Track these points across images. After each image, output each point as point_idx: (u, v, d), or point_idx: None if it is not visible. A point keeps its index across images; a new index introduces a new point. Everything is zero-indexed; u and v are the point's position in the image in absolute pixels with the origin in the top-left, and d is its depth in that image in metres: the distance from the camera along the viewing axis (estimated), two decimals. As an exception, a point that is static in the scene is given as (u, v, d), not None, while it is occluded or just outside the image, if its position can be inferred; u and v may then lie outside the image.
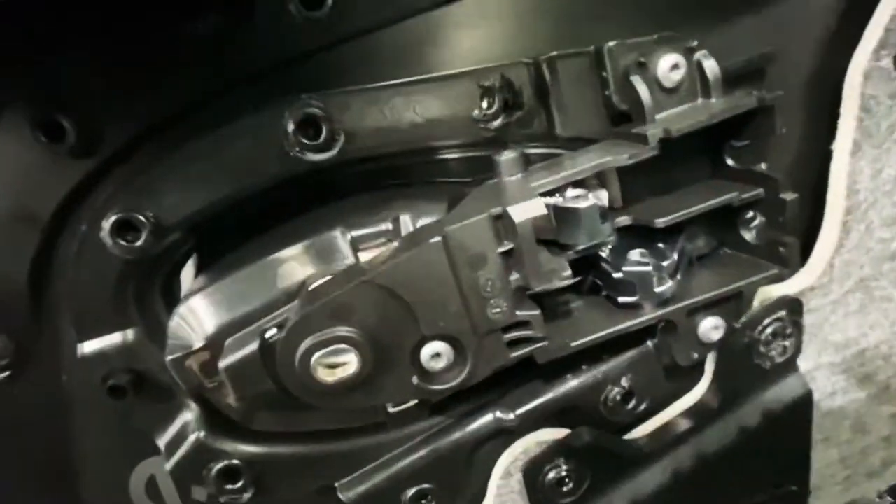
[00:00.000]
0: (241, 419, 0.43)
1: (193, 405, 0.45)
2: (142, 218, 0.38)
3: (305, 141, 0.38)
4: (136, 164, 0.38)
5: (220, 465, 0.43)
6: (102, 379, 0.42)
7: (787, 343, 0.42)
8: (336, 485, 0.45)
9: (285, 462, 0.44)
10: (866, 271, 0.45)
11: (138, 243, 0.38)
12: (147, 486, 0.49)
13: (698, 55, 0.36)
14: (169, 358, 0.38)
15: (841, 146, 0.41)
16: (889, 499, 0.69)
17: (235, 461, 0.43)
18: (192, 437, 0.44)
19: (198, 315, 0.39)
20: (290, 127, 0.37)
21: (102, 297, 0.41)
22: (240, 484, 0.44)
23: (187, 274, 0.45)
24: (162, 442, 0.45)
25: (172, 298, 0.44)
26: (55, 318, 0.43)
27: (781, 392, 0.44)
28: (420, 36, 0.39)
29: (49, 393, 0.46)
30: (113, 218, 0.37)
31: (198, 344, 0.38)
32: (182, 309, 0.39)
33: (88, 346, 0.42)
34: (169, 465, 0.44)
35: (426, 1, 0.38)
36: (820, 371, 0.46)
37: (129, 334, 0.43)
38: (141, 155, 0.38)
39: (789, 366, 0.43)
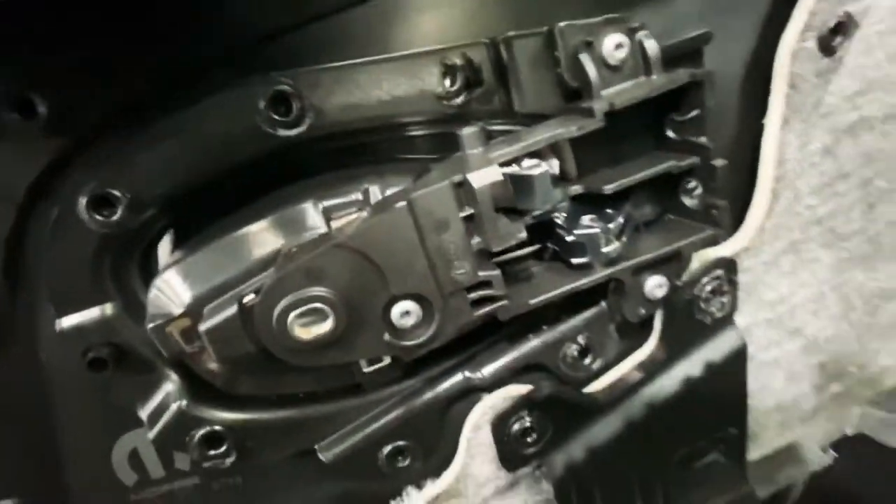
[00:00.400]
0: (223, 384, 0.45)
1: (174, 376, 0.46)
2: (117, 193, 0.39)
3: (276, 117, 0.39)
4: (111, 140, 0.39)
5: (202, 432, 0.45)
6: (82, 353, 0.43)
7: (724, 300, 0.47)
8: (316, 447, 0.47)
9: (267, 426, 0.46)
10: (796, 235, 0.50)
11: (114, 218, 0.39)
12: (130, 458, 0.51)
13: (640, 35, 0.40)
14: (150, 325, 0.40)
15: (771, 120, 0.46)
16: (833, 452, 0.77)
17: (217, 427, 0.45)
18: (173, 406, 0.45)
19: (176, 285, 0.40)
20: (262, 103, 0.39)
21: (79, 272, 0.42)
22: (223, 449, 0.46)
23: (163, 249, 0.46)
24: (144, 413, 0.46)
25: (149, 273, 0.45)
26: (31, 295, 0.44)
27: (721, 345, 0.48)
28: (386, 16, 0.41)
29: (27, 371, 0.46)
30: (89, 193, 0.39)
31: (177, 311, 0.39)
32: (160, 280, 0.41)
33: (67, 322, 0.43)
34: (152, 434, 0.45)
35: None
36: (756, 326, 0.51)
37: (108, 308, 0.44)
38: (116, 131, 0.39)
39: (727, 321, 0.48)
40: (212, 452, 0.46)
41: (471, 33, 0.42)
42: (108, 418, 0.48)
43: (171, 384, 0.46)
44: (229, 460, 0.46)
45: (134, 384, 0.46)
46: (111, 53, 0.38)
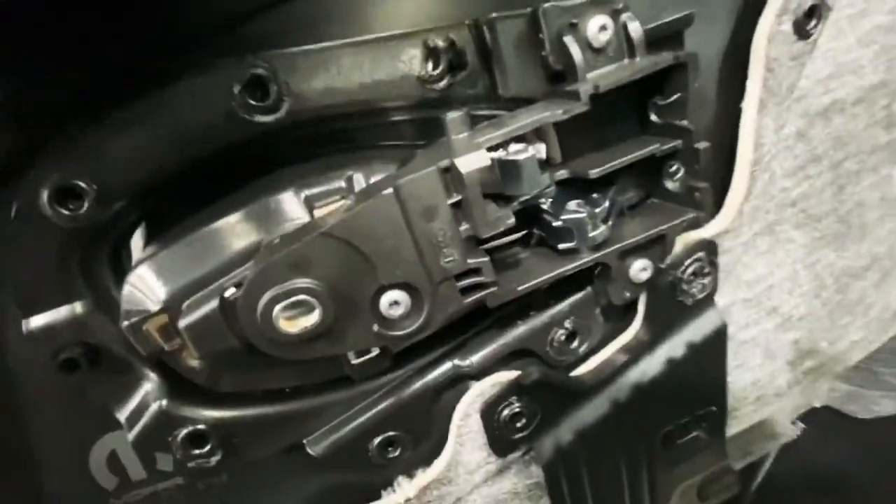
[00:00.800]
0: (205, 381, 0.43)
1: (153, 375, 0.45)
2: (83, 185, 0.37)
3: (253, 102, 0.38)
4: (75, 128, 0.37)
5: (185, 431, 0.44)
6: (53, 354, 0.41)
7: (705, 281, 0.48)
8: (304, 441, 0.46)
9: (252, 423, 0.45)
10: (771, 216, 0.51)
11: (81, 211, 0.37)
12: (109, 461, 0.49)
13: (624, 17, 0.40)
14: (125, 324, 0.38)
15: (748, 104, 0.46)
16: (801, 424, 0.81)
17: (201, 426, 0.44)
18: (153, 407, 0.44)
19: (152, 280, 0.38)
20: (237, 88, 0.37)
21: (46, 270, 0.40)
22: (207, 448, 0.44)
23: (136, 244, 0.44)
24: (122, 415, 0.45)
25: (120, 268, 0.43)
26: (-7, 295, 0.42)
27: (702, 325, 0.49)
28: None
29: (-8, 374, 0.44)
30: (52, 185, 0.36)
31: (154, 308, 0.38)
32: (134, 276, 0.39)
33: (35, 322, 0.41)
34: (131, 436, 0.44)
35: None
36: (734, 306, 0.52)
37: (78, 307, 0.42)
38: (80, 118, 0.37)
39: (708, 302, 0.49)
40: (196, 452, 0.44)
41: (453, 14, 0.41)
42: (83, 421, 0.46)
43: (149, 384, 0.45)
44: (214, 459, 0.45)
45: (110, 385, 0.44)
46: (72, 34, 0.35)
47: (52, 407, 0.45)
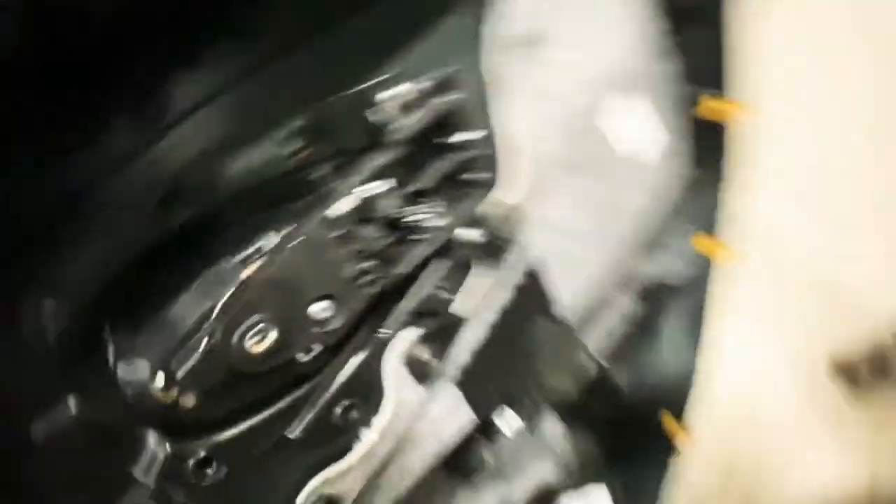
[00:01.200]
0: (202, 413, 0.57)
1: (151, 430, 0.56)
2: (53, 307, 0.48)
3: (170, 206, 0.52)
4: (42, 259, 0.47)
5: (192, 462, 0.57)
6: (63, 444, 0.51)
7: (520, 234, 0.73)
8: (284, 432, 0.62)
9: (244, 433, 0.60)
10: (549, 177, 0.77)
11: (62, 327, 0.48)
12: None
13: (416, 80, 0.60)
14: (131, 393, 0.50)
15: (503, 110, 0.71)
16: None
17: (203, 453, 0.57)
18: (160, 456, 0.56)
19: (140, 357, 0.51)
20: (154, 202, 0.51)
21: (39, 382, 0.50)
22: (215, 466, 0.58)
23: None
24: (138, 473, 0.56)
25: (97, 360, 0.54)
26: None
27: (527, 261, 0.75)
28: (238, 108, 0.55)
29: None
30: (33, 313, 0.47)
31: (148, 374, 0.51)
32: (123, 362, 0.51)
33: (40, 426, 0.50)
34: (151, 484, 0.55)
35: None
36: (546, 246, 0.78)
37: (71, 401, 0.52)
38: (43, 250, 0.47)
39: (525, 248, 0.74)
40: (207, 472, 0.58)
41: (300, 103, 0.58)
42: (104, 487, 0.56)
43: (151, 437, 0.56)
44: (224, 470, 0.58)
45: (117, 452, 0.55)
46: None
47: (71, 483, 0.55)
